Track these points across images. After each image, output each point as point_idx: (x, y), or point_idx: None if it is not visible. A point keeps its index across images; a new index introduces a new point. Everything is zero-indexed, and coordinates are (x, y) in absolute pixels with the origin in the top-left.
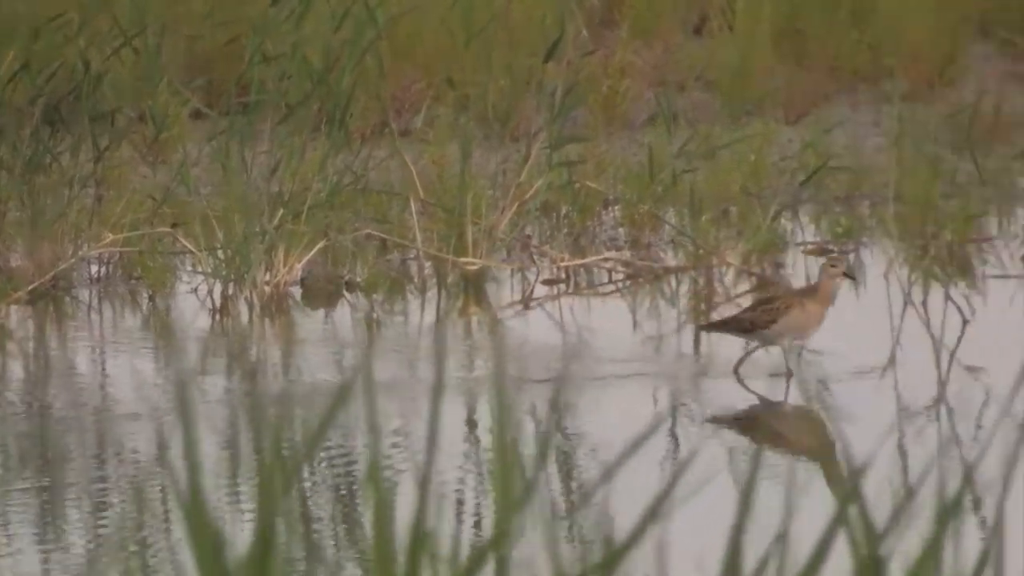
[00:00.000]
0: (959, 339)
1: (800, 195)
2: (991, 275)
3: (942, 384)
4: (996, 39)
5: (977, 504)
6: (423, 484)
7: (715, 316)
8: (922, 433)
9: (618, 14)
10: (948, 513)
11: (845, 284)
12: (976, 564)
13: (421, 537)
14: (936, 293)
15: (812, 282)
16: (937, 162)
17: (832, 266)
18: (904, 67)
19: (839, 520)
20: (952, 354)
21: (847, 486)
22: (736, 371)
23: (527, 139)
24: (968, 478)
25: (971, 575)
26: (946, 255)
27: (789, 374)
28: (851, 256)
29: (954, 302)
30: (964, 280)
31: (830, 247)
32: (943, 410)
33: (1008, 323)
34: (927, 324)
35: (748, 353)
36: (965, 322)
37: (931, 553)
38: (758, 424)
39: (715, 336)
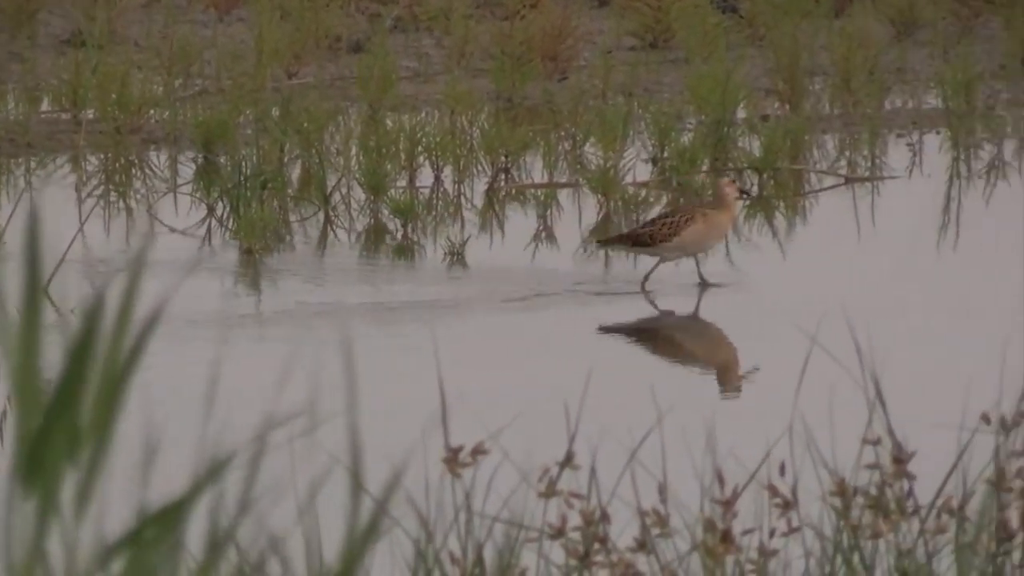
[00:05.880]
0: None
1: None
2: None
3: None
4: None
5: None
6: None
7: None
8: None
9: None
10: None
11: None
12: None
13: None
14: None
15: (709, 198)
16: None
17: (732, 182)
18: None
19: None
20: None
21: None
22: (643, 285)
23: None
24: None
25: None
26: None
27: (704, 285)
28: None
29: None
30: None
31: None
32: None
33: None
34: None
35: (655, 267)
36: None
37: None
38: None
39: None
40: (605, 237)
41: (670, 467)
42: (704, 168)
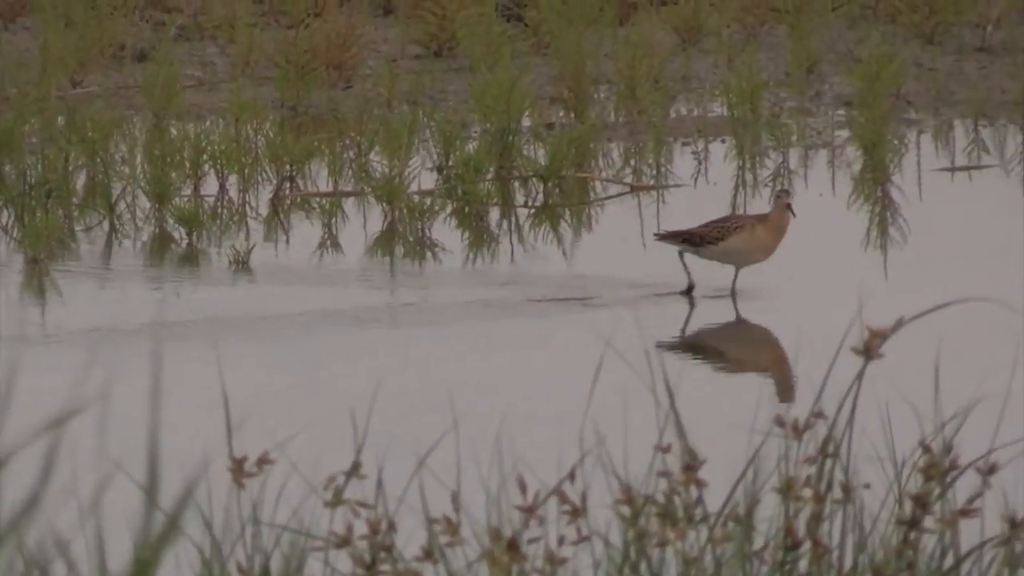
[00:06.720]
0: None
1: None
2: None
3: None
4: None
5: None
6: None
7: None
8: None
9: None
10: None
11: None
12: None
13: None
14: None
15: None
16: None
17: (778, 196)
18: None
19: None
20: None
21: None
22: (733, 291)
23: None
24: None
25: None
26: None
27: (689, 288)
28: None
29: None
30: None
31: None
32: None
33: None
34: None
35: (736, 276)
36: None
37: None
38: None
39: None
40: (664, 232)
41: (459, 475)
42: (489, 176)
